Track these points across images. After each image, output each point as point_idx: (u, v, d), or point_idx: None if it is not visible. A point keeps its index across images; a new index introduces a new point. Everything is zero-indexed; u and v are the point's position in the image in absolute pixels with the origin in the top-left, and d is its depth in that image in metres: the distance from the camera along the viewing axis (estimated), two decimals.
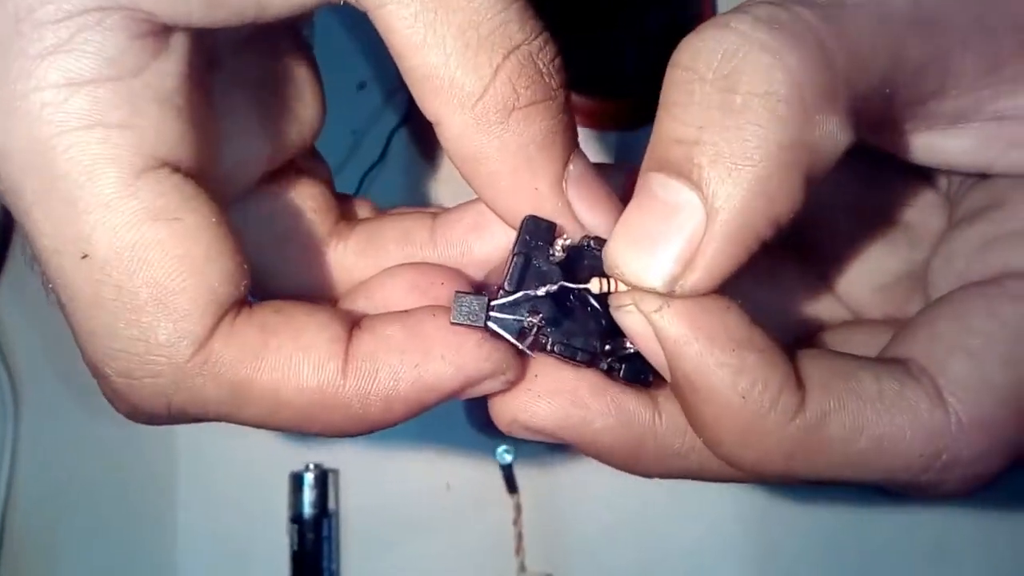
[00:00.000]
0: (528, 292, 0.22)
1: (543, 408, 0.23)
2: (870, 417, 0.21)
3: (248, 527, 0.51)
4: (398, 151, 0.53)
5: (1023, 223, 0.23)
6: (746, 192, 0.19)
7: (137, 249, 0.21)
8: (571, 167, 0.23)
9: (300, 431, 0.24)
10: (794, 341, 0.28)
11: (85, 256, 0.21)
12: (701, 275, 0.20)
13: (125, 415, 0.25)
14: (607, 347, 0.23)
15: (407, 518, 0.51)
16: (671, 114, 0.20)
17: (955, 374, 0.21)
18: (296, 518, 0.49)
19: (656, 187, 0.20)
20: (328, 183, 0.30)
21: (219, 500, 0.51)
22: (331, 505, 0.50)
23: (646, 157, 0.21)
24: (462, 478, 0.51)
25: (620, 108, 0.53)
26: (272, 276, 0.27)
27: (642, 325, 0.21)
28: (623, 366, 0.23)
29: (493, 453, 0.51)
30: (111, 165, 0.21)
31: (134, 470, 0.52)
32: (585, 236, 0.24)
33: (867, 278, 0.29)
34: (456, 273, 0.26)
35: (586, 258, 0.23)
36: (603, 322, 0.23)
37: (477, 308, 0.22)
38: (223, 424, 0.51)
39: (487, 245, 0.26)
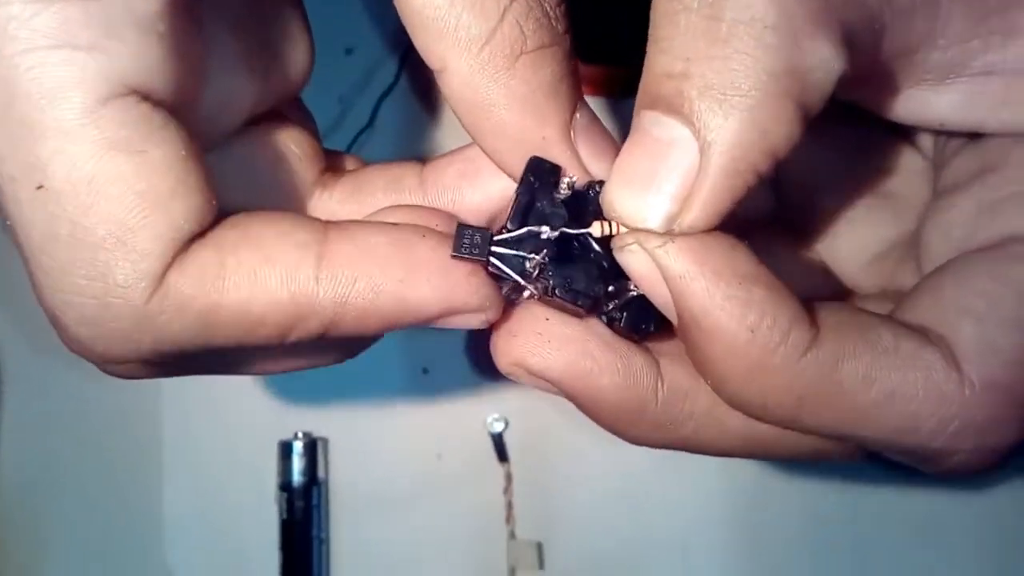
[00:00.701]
0: (532, 229, 0.22)
1: (552, 353, 0.22)
2: (884, 370, 0.20)
3: (237, 496, 0.51)
4: (386, 117, 0.53)
5: (1018, 186, 0.23)
6: (738, 124, 0.19)
7: (95, 182, 0.20)
8: (578, 115, 0.23)
9: (281, 350, 0.23)
10: None
11: (40, 187, 0.20)
12: (698, 213, 0.20)
13: (100, 368, 0.24)
14: (609, 290, 0.22)
15: (397, 487, 0.51)
16: (659, 47, 0.20)
17: (965, 339, 0.21)
18: (285, 486, 0.49)
19: (648, 124, 0.20)
20: (314, 132, 0.29)
21: (207, 469, 0.51)
22: (320, 474, 0.50)
23: (638, 95, 0.21)
24: (453, 447, 0.51)
25: (614, 75, 0.52)
26: None
27: (646, 264, 0.21)
28: (623, 315, 0.23)
29: (484, 422, 0.51)
30: (74, 90, 0.19)
31: (120, 441, 0.52)
32: (589, 181, 0.23)
33: (858, 251, 0.29)
34: (451, 217, 0.25)
35: (590, 203, 0.23)
36: (605, 266, 0.22)
37: (480, 241, 0.22)
38: (211, 392, 0.51)
39: (478, 193, 0.25)
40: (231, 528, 0.51)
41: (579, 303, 0.22)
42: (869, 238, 0.29)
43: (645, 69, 0.20)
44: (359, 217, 0.26)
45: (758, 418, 0.21)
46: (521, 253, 0.22)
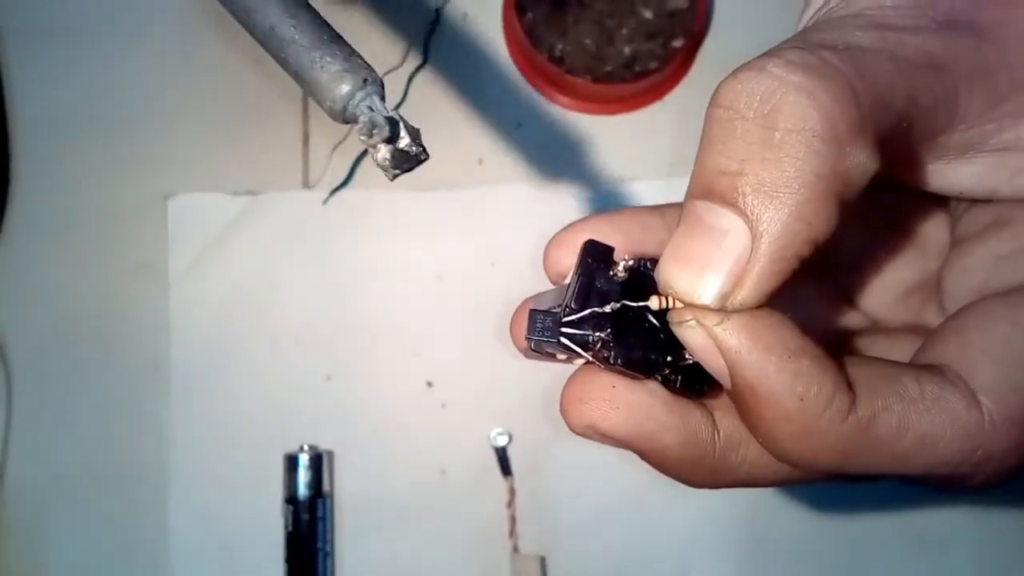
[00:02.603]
0: (595, 309, 0.24)
1: (620, 418, 0.24)
2: (914, 418, 0.23)
3: (242, 508, 0.51)
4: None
5: None
6: (787, 216, 0.21)
7: None
8: None
9: None
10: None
11: None
12: (749, 291, 0.22)
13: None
14: (668, 358, 0.24)
15: (402, 500, 0.51)
16: (715, 149, 0.22)
17: (985, 378, 0.23)
18: (291, 499, 0.50)
19: (702, 212, 0.22)
20: None
21: (213, 481, 0.51)
22: (326, 487, 0.51)
23: (690, 187, 0.23)
24: (456, 461, 0.52)
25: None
26: None
27: (703, 338, 0.22)
28: (679, 377, 0.25)
29: (487, 437, 0.51)
30: None
31: (126, 451, 0.52)
32: (640, 257, 0.25)
33: (884, 289, 0.31)
34: None
35: (642, 279, 0.25)
36: (661, 336, 0.24)
37: (551, 324, 0.24)
38: (217, 405, 0.52)
39: None
40: (236, 539, 0.51)
41: (638, 370, 0.24)
42: (894, 279, 0.31)
43: (697, 164, 0.23)
44: None
45: (806, 469, 0.24)
46: (585, 332, 0.24)
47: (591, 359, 0.24)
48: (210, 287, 0.53)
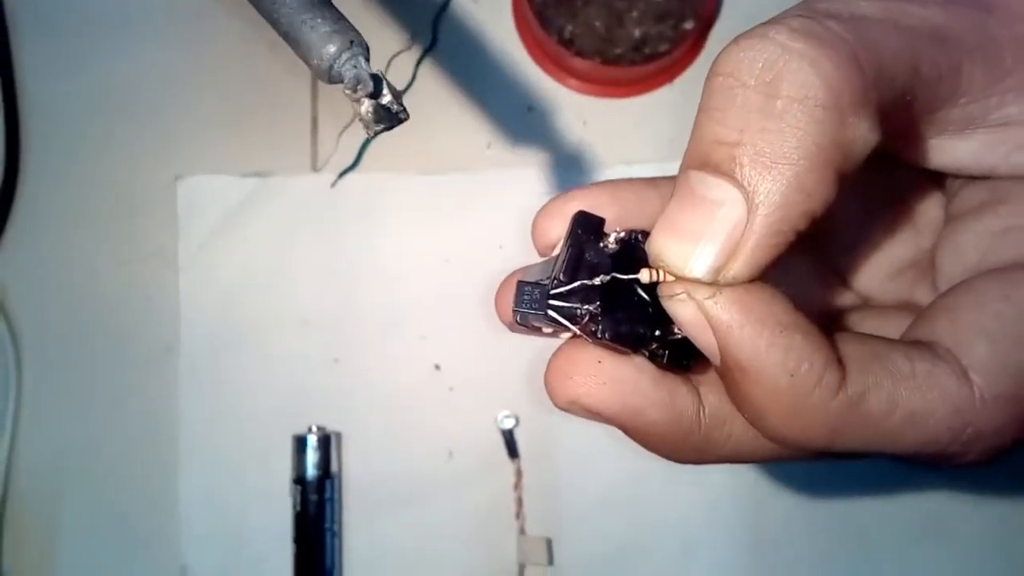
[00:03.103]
0: (584, 282, 0.24)
1: (605, 394, 0.24)
2: (904, 395, 0.22)
3: (251, 488, 0.52)
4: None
5: None
6: (785, 188, 0.21)
7: None
8: None
9: None
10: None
11: None
12: (743, 265, 0.21)
13: None
14: (655, 334, 0.24)
15: (409, 482, 0.52)
16: (713, 117, 0.21)
17: (977, 355, 0.23)
18: (299, 480, 0.50)
19: (696, 183, 0.22)
20: None
21: (222, 461, 0.52)
22: (334, 468, 0.51)
23: (685, 157, 0.22)
24: (464, 443, 0.52)
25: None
26: None
27: (693, 312, 0.22)
28: (666, 352, 0.24)
29: (494, 419, 0.51)
30: None
31: (136, 433, 0.52)
32: (632, 229, 0.25)
33: (876, 267, 0.31)
34: None
35: (633, 250, 0.24)
36: (650, 310, 0.24)
37: (539, 296, 0.24)
38: (226, 386, 0.52)
39: None
40: (245, 519, 0.52)
41: (626, 344, 0.24)
42: (887, 256, 0.31)
43: (694, 134, 0.22)
44: None
45: (794, 446, 0.23)
46: (574, 305, 0.23)
47: (579, 332, 0.24)
48: (219, 269, 0.53)
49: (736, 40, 0.21)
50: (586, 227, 0.24)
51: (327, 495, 0.50)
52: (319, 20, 0.23)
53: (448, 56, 0.54)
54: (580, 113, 0.54)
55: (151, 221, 0.54)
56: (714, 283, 0.22)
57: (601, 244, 0.24)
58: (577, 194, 0.27)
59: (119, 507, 0.52)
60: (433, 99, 0.54)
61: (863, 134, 0.21)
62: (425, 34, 0.54)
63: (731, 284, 0.22)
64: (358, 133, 0.54)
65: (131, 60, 0.55)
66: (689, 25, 0.52)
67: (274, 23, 0.24)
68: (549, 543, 0.51)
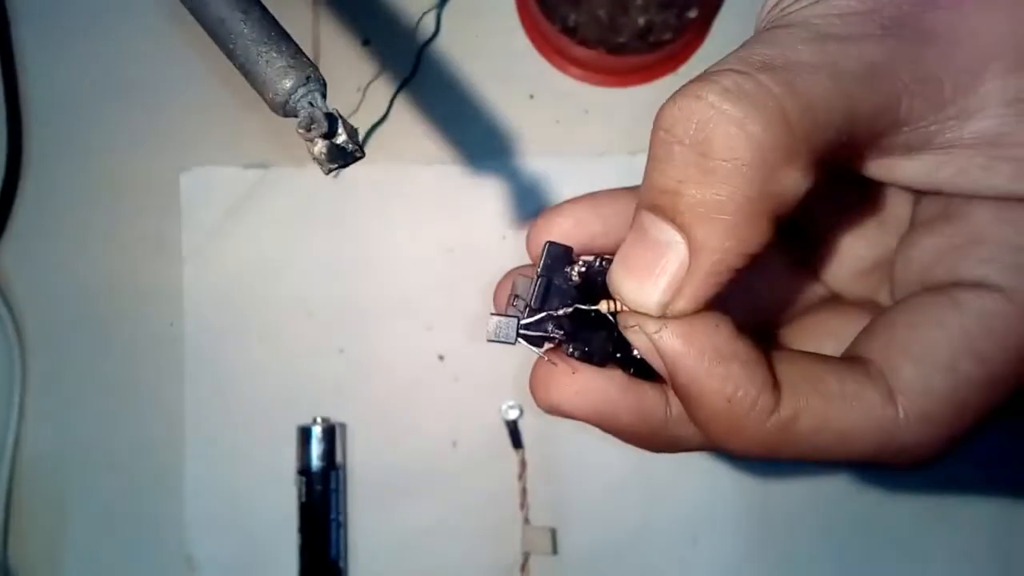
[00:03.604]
0: (551, 312, 0.27)
1: (579, 401, 0.27)
2: (832, 415, 0.25)
3: (257, 478, 0.52)
4: (402, 111, 0.53)
5: (970, 238, 0.27)
6: (720, 235, 0.23)
7: None
8: None
9: None
10: (781, 322, 0.32)
11: None
12: (686, 302, 0.24)
13: None
14: (618, 354, 0.27)
15: (414, 472, 0.52)
16: (657, 168, 0.24)
17: (904, 378, 0.25)
18: (304, 470, 0.50)
19: (648, 225, 0.24)
20: None
21: (228, 452, 0.52)
22: (338, 458, 0.51)
23: (639, 197, 0.25)
24: (468, 434, 0.52)
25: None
26: None
27: (645, 341, 0.25)
28: (633, 368, 0.27)
29: (499, 410, 0.51)
30: None
31: (141, 423, 0.53)
32: (598, 255, 0.27)
33: (845, 266, 0.32)
34: None
35: (600, 275, 0.27)
36: (614, 333, 0.27)
37: (508, 328, 0.27)
38: (232, 377, 0.52)
39: None
40: (250, 510, 0.52)
41: (594, 362, 0.27)
42: (854, 256, 0.32)
43: (644, 178, 0.24)
44: None
45: (740, 456, 0.26)
46: (542, 332, 0.27)
47: (546, 358, 0.27)
48: (223, 260, 0.53)
49: (673, 97, 0.23)
50: (556, 256, 0.27)
51: (332, 486, 0.50)
52: (275, 54, 0.23)
53: (450, 44, 0.54)
54: (583, 102, 0.54)
55: (155, 212, 0.54)
56: (662, 316, 0.24)
57: (568, 270, 0.27)
58: (563, 209, 0.30)
59: (124, 497, 0.52)
60: (435, 88, 0.54)
61: (793, 183, 0.22)
62: (428, 22, 0.54)
63: (677, 317, 0.24)
64: (361, 123, 0.54)
65: (134, 50, 0.55)
66: (693, 14, 0.51)
67: (229, 54, 0.24)
68: (553, 533, 0.51)
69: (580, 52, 0.52)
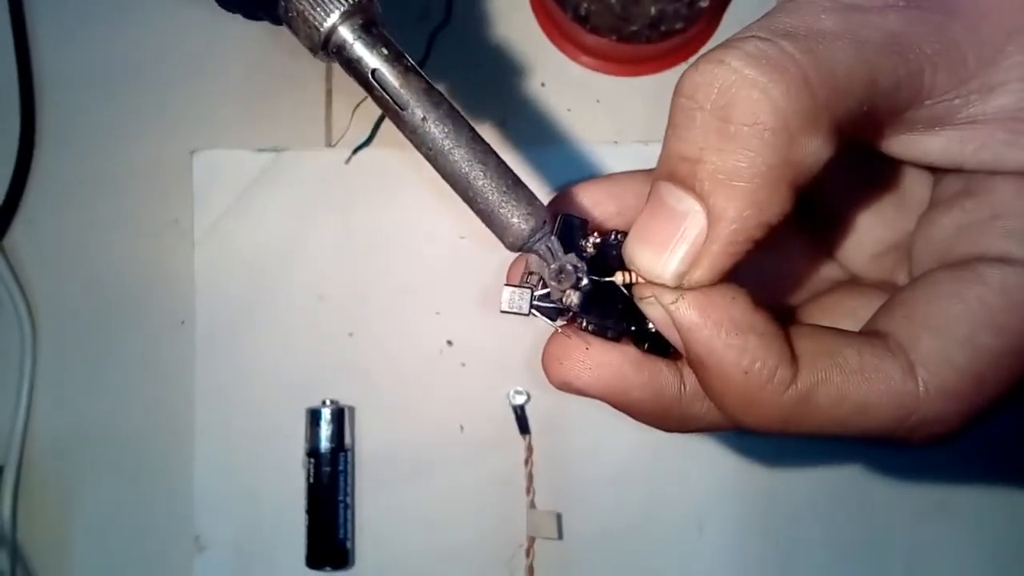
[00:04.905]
0: (570, 262, 0.26)
1: (592, 377, 0.26)
2: (851, 388, 0.24)
3: (265, 460, 0.52)
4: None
5: (991, 213, 0.26)
6: (740, 203, 0.22)
7: None
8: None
9: None
10: (798, 303, 0.32)
11: None
12: (704, 272, 0.24)
13: None
14: (632, 328, 0.26)
15: (421, 456, 0.52)
16: (677, 135, 0.23)
17: (923, 350, 0.25)
18: (312, 452, 0.51)
19: (665, 195, 0.24)
20: None
21: (237, 434, 0.53)
22: (347, 441, 0.52)
23: (657, 167, 0.24)
24: (475, 418, 0.52)
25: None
26: None
27: (661, 313, 0.25)
28: (647, 342, 0.27)
29: (506, 395, 0.52)
30: None
31: (152, 405, 0.53)
32: (613, 229, 0.27)
33: (862, 248, 0.32)
34: None
35: (614, 248, 0.26)
36: (629, 306, 0.26)
37: (522, 299, 0.26)
38: (242, 360, 0.52)
39: None
40: (259, 491, 0.52)
41: (608, 336, 0.27)
42: (872, 238, 0.32)
43: (663, 148, 0.24)
44: None
45: (754, 431, 0.26)
46: (557, 305, 0.26)
47: (559, 330, 0.26)
48: (235, 243, 0.54)
49: (696, 63, 0.23)
50: (570, 229, 0.27)
51: (340, 468, 0.51)
52: (514, 203, 0.25)
53: (462, 31, 0.54)
54: (594, 90, 0.54)
55: (167, 195, 0.54)
56: (679, 287, 0.24)
57: (583, 242, 0.26)
58: (579, 190, 0.29)
59: (134, 478, 0.53)
60: (447, 75, 0.54)
61: (814, 151, 0.22)
62: (439, 9, 0.54)
63: (694, 288, 0.24)
64: (372, 109, 0.54)
65: (147, 34, 0.55)
66: (705, 3, 0.51)
67: (469, 201, 0.26)
68: (559, 517, 0.51)
69: (592, 41, 0.52)
